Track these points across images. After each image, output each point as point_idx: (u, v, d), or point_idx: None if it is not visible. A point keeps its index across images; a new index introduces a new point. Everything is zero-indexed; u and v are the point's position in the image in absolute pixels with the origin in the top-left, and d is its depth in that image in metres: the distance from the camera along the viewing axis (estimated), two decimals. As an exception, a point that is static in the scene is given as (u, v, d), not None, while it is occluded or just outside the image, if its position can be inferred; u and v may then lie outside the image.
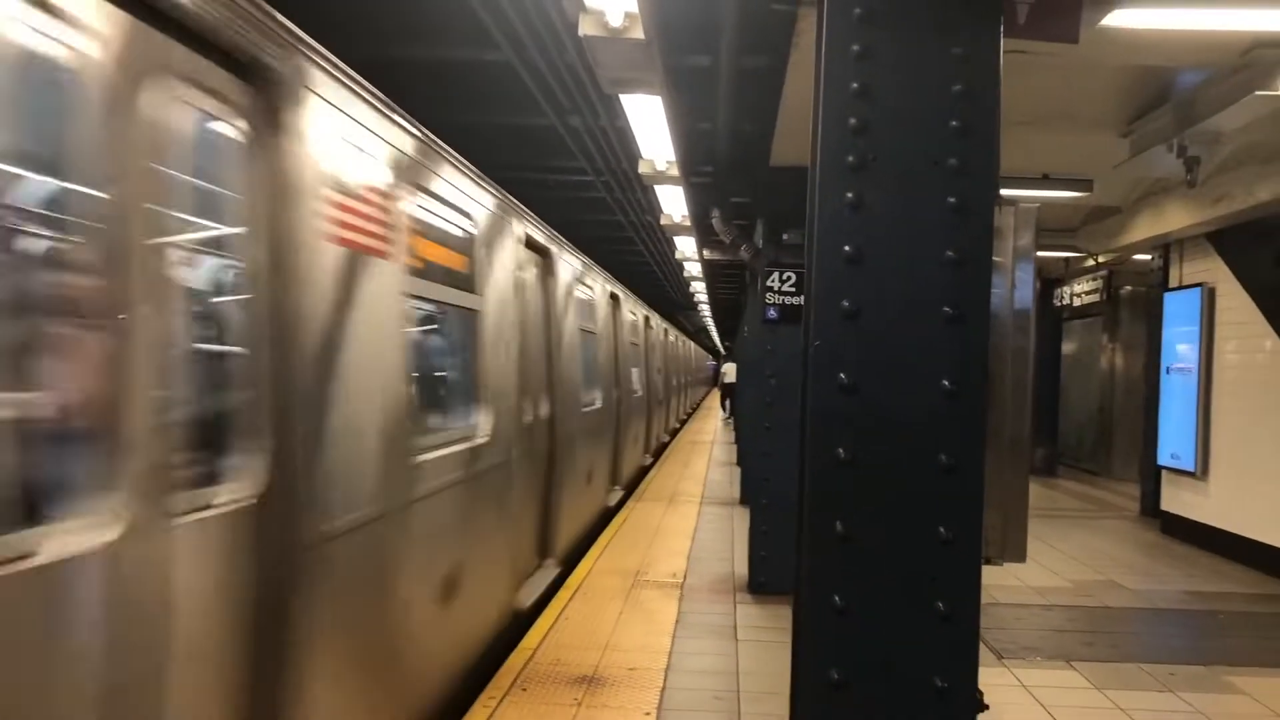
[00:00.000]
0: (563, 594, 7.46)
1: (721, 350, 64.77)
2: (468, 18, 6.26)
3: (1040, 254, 14.34)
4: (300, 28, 3.29)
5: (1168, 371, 11.45)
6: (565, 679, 5.57)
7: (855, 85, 2.35)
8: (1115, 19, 4.57)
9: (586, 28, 4.25)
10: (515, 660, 5.85)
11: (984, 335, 2.35)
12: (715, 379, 68.97)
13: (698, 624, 6.89)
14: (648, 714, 5.10)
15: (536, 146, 10.44)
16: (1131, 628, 7.36)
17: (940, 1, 2.36)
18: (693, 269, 18.06)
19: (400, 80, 7.31)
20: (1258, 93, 5.49)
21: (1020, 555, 2.50)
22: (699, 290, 24.45)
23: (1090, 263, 14.90)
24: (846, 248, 2.35)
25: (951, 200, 2.34)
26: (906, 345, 2.34)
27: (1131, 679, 6.06)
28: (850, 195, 2.35)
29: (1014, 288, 2.46)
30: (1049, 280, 17.26)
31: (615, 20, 4.19)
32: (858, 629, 2.35)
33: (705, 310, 32.95)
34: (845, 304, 2.34)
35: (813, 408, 2.39)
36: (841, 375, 2.35)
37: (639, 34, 4.23)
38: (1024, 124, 7.05)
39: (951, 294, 2.33)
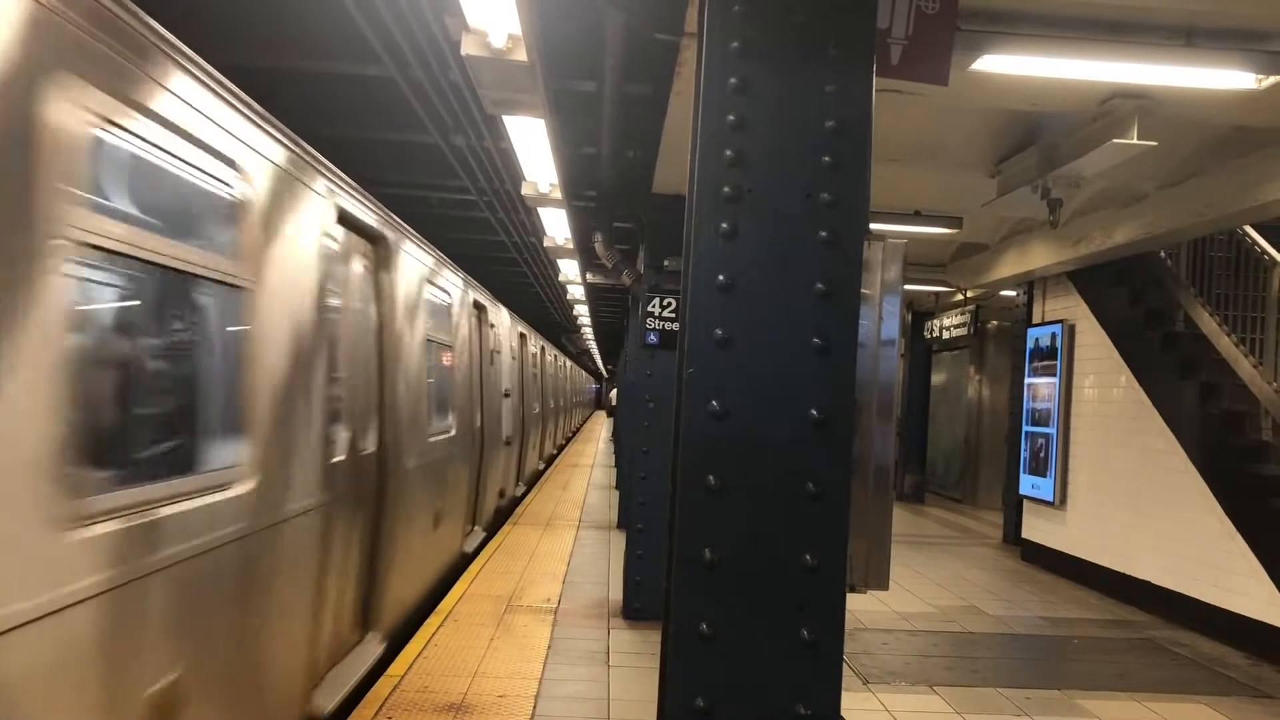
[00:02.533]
0: (432, 620, 7.32)
1: (604, 373, 65.05)
2: (351, 31, 6.16)
3: (911, 287, 14.82)
4: (181, 35, 3.21)
5: (1028, 411, 11.91)
6: (433, 707, 5.46)
7: (732, 118, 2.38)
8: (984, 64, 4.76)
9: (469, 47, 4.22)
10: (381, 688, 5.71)
11: (851, 366, 2.40)
12: (598, 401, 69.27)
13: (570, 650, 6.84)
14: (516, 741, 5.03)
15: (419, 164, 10.32)
16: (991, 653, 7.59)
17: (815, 39, 2.41)
18: (576, 292, 18.07)
19: (281, 91, 7.15)
20: (1115, 140, 5.77)
21: (883, 583, 2.54)
22: (582, 313, 24.46)
23: (959, 297, 15.43)
24: (720, 277, 2.37)
25: (823, 234, 2.38)
26: (776, 374, 2.37)
27: (989, 703, 6.24)
28: (725, 225, 2.37)
29: (881, 320, 2.51)
30: (920, 313, 17.80)
31: (498, 41, 4.17)
32: (724, 655, 2.36)
33: (589, 333, 32.99)
34: (718, 332, 2.36)
35: (684, 434, 2.40)
36: (713, 402, 2.36)
37: (522, 56, 4.22)
38: (897, 161, 7.27)
39: (820, 325, 2.37)
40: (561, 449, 28.71)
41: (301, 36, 7.06)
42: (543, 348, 21.70)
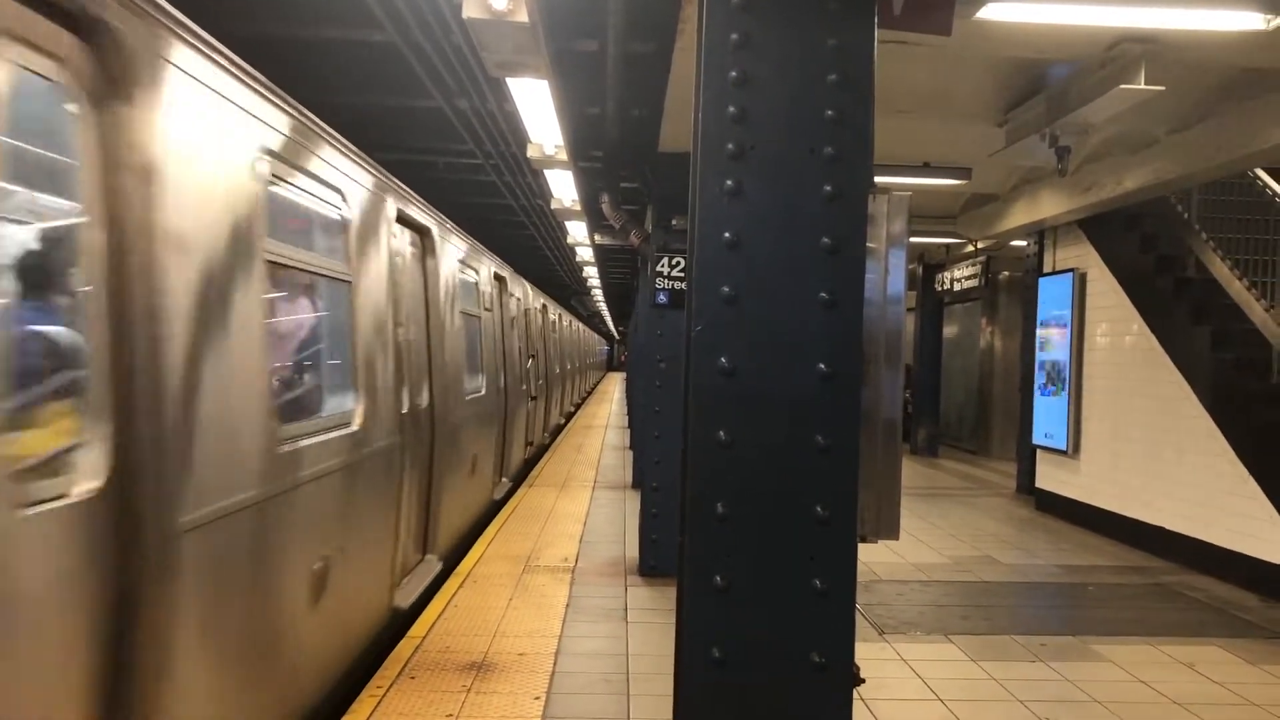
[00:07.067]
0: (451, 582, 7.41)
1: (615, 335, 65.14)
2: (351, -3, 6.15)
3: (922, 240, 14.77)
4: (186, 6, 3.22)
5: (1040, 355, 11.90)
6: (454, 666, 5.54)
7: (734, 74, 2.38)
8: (988, 12, 4.73)
9: (470, 10, 4.20)
10: (403, 649, 5.79)
11: (858, 320, 2.42)
12: (610, 363, 69.40)
13: (588, 608, 6.92)
14: (537, 698, 5.11)
15: (424, 128, 10.31)
16: (1006, 601, 7.65)
17: (816, -7, 2.40)
18: (585, 254, 18.06)
19: (284, 59, 7.14)
20: (1122, 86, 5.72)
21: (893, 532, 2.57)
22: (592, 275, 24.44)
23: (970, 248, 15.37)
24: (726, 234, 2.38)
25: (827, 188, 2.39)
26: (784, 329, 2.39)
27: (1005, 650, 6.30)
28: (730, 182, 2.38)
29: (887, 273, 2.53)
30: (931, 265, 17.73)
31: (499, 3, 4.15)
32: (738, 607, 2.40)
33: (599, 295, 32.98)
34: (725, 289, 2.38)
35: (694, 390, 2.42)
36: (722, 359, 2.39)
37: (523, 17, 4.21)
38: (905, 112, 7.24)
39: (827, 279, 2.39)
40: (579, 406, 29.01)
41: (303, 4, 7.03)
42: (560, 314, 22.37)
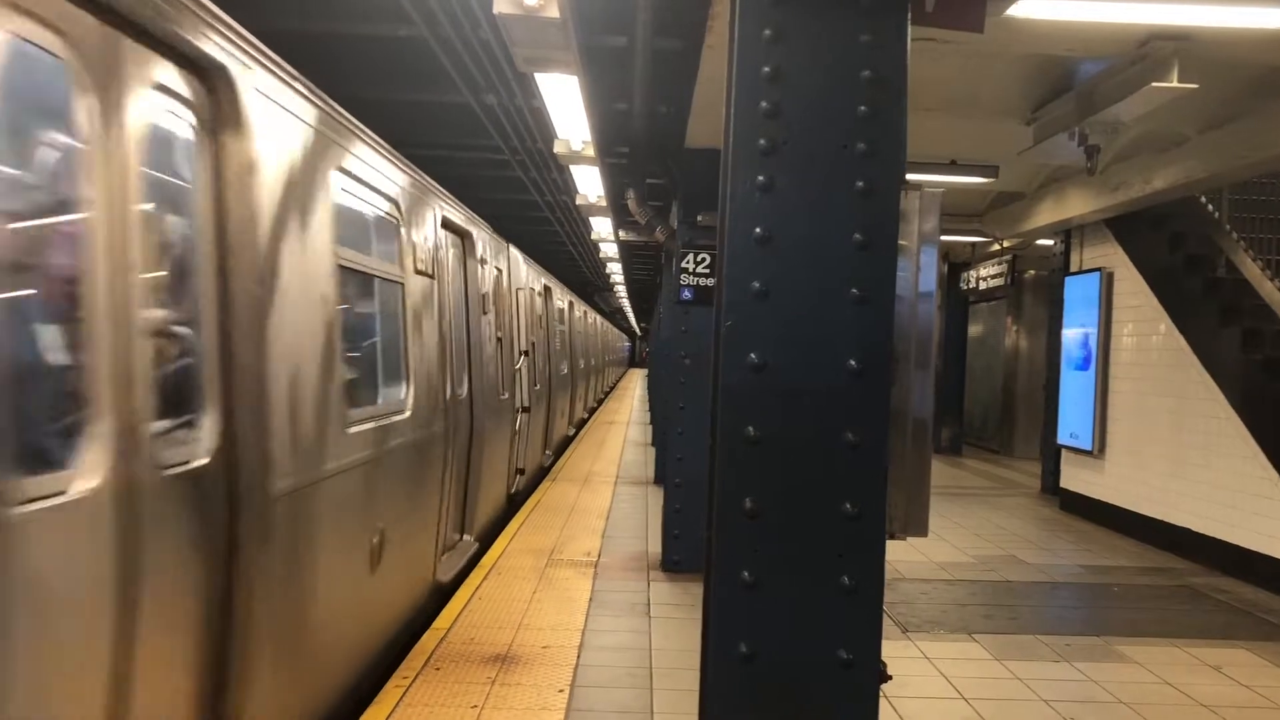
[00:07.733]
0: (476, 574, 7.44)
1: (637, 331, 65.21)
2: (381, -8, 6.18)
3: (948, 238, 14.68)
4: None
5: (1079, 362, 11.81)
6: (479, 658, 5.57)
7: (767, 69, 2.38)
8: (1019, 9, 4.69)
9: (501, 5, 4.21)
10: (428, 640, 5.83)
11: (889, 316, 2.42)
12: (631, 359, 69.44)
13: (611, 602, 6.93)
14: (561, 690, 5.13)
15: (451, 124, 10.32)
16: (1030, 601, 7.62)
17: (849, -11, 2.40)
18: (609, 250, 18.06)
19: (313, 53, 7.18)
20: (1154, 84, 5.67)
21: (922, 530, 2.57)
22: (615, 271, 24.44)
23: (996, 247, 15.27)
24: (757, 229, 2.39)
25: (859, 184, 2.39)
26: (814, 325, 2.39)
27: (1029, 650, 6.27)
28: (761, 178, 2.39)
29: (919, 270, 2.52)
30: (956, 264, 17.62)
31: (530, -2, 4.17)
32: (766, 603, 2.41)
33: (621, 291, 32.99)
34: (756, 285, 2.39)
35: (723, 386, 2.43)
36: (751, 355, 2.39)
37: (554, 12, 4.22)
38: (933, 110, 7.20)
39: (858, 276, 2.39)
40: (593, 411, 26.34)
41: (335, 0, 7.07)
42: (571, 303, 19.19)
